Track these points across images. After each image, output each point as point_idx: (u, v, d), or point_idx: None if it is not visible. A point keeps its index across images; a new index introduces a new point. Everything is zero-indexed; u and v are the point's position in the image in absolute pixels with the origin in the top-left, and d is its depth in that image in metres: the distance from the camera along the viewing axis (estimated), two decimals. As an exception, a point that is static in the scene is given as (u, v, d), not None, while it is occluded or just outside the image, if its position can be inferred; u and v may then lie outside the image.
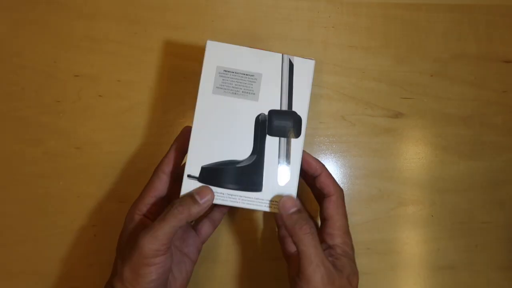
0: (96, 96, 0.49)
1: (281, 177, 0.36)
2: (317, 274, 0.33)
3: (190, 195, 0.35)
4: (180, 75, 0.49)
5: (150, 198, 0.37)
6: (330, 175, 0.39)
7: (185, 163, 0.36)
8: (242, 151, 0.36)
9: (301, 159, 0.36)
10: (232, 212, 0.48)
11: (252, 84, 0.37)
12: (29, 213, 0.47)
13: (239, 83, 0.37)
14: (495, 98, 0.49)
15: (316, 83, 0.49)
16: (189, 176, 0.36)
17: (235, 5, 0.50)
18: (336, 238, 0.37)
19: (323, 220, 0.39)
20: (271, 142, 0.36)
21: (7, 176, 0.48)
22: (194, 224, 0.43)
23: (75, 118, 0.48)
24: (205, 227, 0.42)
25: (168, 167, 0.38)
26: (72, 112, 0.48)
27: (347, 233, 0.38)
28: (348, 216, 0.49)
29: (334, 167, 0.49)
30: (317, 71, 0.49)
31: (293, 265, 0.37)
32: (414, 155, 0.49)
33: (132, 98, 0.49)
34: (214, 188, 0.36)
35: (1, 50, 0.49)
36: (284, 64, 0.37)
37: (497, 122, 0.49)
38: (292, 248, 0.39)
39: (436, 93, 0.49)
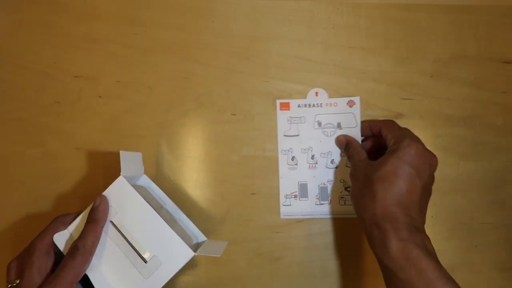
0: (96, 96, 0.49)
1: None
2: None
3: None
4: (180, 75, 0.49)
5: None
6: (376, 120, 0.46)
7: None
8: None
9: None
10: (231, 213, 0.48)
11: None
12: (29, 213, 0.47)
13: None
14: (495, 99, 0.49)
15: (316, 83, 0.49)
16: None
17: (235, 5, 0.50)
18: (396, 140, 0.40)
19: (387, 141, 0.42)
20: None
21: (7, 176, 0.48)
22: None
23: (75, 119, 0.48)
24: None
25: None
26: (72, 112, 0.48)
27: (407, 135, 0.40)
28: (348, 216, 0.49)
29: (334, 167, 0.49)
30: (317, 72, 0.50)
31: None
32: (414, 155, 0.49)
33: (132, 99, 0.49)
34: None
35: (1, 50, 0.49)
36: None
37: (497, 122, 0.49)
38: None
39: (436, 94, 0.49)
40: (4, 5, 0.49)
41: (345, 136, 0.47)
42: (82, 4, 0.50)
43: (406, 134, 0.40)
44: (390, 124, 0.44)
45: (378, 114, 0.49)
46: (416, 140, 0.39)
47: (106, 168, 0.48)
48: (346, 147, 0.46)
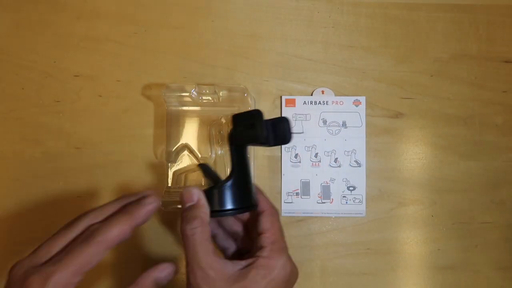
0: (96, 96, 0.49)
1: None
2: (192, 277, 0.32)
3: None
4: (180, 74, 0.49)
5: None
6: (265, 196, 0.39)
7: None
8: None
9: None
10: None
11: None
12: (29, 213, 0.47)
13: None
14: (495, 98, 0.49)
15: (317, 83, 0.49)
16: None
17: (235, 5, 0.50)
18: (264, 252, 0.35)
19: (258, 235, 0.37)
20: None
21: (7, 176, 0.48)
22: None
23: (75, 118, 0.48)
24: None
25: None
26: (72, 112, 0.48)
27: (279, 250, 0.36)
28: (350, 215, 0.49)
29: (334, 167, 0.49)
30: (317, 71, 0.50)
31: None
32: (414, 155, 0.49)
33: (132, 98, 0.49)
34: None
35: (1, 50, 0.49)
36: None
37: (497, 122, 0.49)
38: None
39: (436, 93, 0.49)
40: (4, 5, 0.49)
41: (198, 193, 0.35)
42: (82, 3, 0.50)
43: (285, 248, 0.36)
44: (273, 219, 0.37)
45: (379, 114, 0.49)
46: (288, 258, 0.36)
47: (106, 168, 0.48)
48: (189, 211, 0.34)
